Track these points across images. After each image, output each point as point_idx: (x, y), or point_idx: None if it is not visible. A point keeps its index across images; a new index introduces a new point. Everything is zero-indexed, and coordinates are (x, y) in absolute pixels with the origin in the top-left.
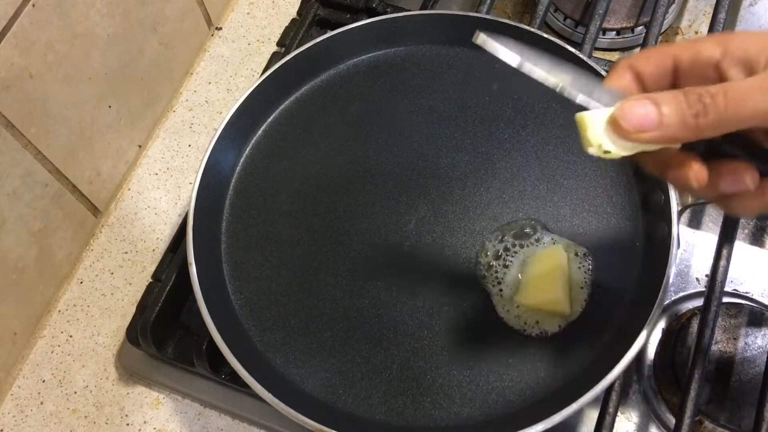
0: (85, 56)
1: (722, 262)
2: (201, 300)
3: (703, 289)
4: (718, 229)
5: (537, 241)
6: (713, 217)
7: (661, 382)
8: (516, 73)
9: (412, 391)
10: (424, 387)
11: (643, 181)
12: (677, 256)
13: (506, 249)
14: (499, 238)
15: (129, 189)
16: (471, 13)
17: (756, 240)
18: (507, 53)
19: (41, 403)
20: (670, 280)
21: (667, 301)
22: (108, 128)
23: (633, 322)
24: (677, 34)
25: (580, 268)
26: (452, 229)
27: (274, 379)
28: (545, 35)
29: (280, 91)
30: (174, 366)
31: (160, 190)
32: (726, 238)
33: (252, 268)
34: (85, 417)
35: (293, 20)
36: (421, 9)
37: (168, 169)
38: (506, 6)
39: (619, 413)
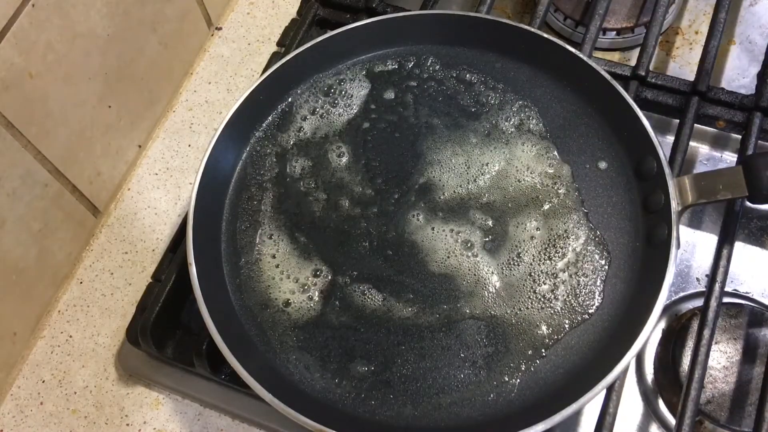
0: (85, 56)
1: (722, 262)
2: (201, 300)
3: (703, 289)
4: (718, 229)
5: None
6: (713, 217)
7: (661, 382)
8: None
9: (412, 391)
10: (424, 387)
11: (643, 181)
12: (677, 256)
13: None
14: None
15: (129, 189)
16: (471, 13)
17: (756, 240)
18: None
19: (41, 403)
20: (670, 280)
21: (667, 301)
22: (108, 128)
23: (633, 322)
24: (677, 34)
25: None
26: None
27: (274, 379)
28: (545, 35)
29: (280, 91)
30: (174, 366)
31: (160, 190)
32: (726, 238)
33: (252, 268)
34: (85, 417)
35: (293, 20)
36: (421, 9)
37: (168, 169)
38: (506, 6)
39: (619, 413)
